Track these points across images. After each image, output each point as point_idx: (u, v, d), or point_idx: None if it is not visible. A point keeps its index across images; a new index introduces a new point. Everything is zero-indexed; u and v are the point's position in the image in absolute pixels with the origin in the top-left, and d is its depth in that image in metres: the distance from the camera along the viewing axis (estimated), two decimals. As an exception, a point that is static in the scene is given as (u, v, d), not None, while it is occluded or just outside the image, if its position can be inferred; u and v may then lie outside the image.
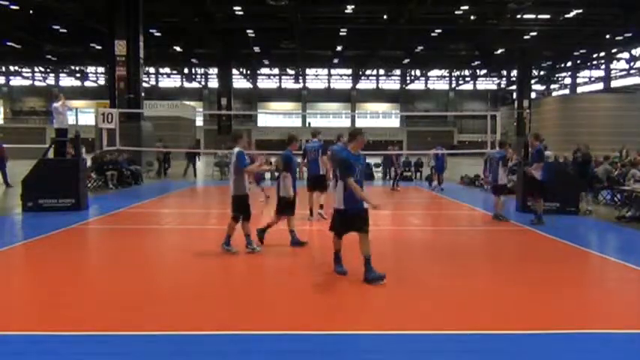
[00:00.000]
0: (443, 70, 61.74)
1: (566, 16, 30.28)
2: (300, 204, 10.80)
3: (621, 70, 47.36)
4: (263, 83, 62.97)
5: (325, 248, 8.23)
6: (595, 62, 49.03)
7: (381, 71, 62.16)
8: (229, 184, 7.37)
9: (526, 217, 10.47)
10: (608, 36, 37.10)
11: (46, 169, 11.60)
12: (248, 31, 35.92)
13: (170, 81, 62.06)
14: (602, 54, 45.16)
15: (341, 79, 63.46)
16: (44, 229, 9.02)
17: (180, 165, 23.71)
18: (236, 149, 7.16)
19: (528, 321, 4.68)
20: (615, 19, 31.03)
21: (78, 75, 58.16)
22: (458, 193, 16.36)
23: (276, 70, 61.60)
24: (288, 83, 63.19)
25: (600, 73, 50.77)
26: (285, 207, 7.79)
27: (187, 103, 47.41)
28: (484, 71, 58.14)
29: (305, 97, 62.06)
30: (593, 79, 52.62)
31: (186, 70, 57.56)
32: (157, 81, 61.22)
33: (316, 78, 63.33)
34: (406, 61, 50.68)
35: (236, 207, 7.22)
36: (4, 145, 17.71)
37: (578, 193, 11.75)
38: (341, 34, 36.57)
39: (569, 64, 50.34)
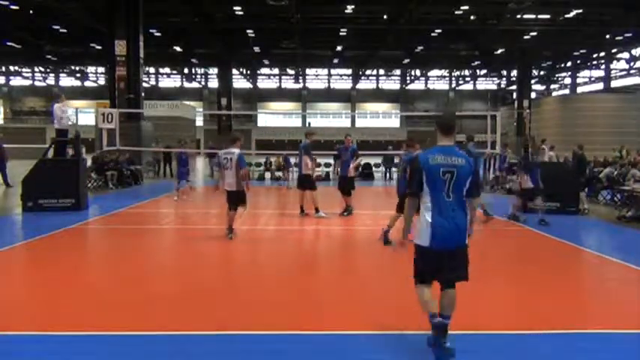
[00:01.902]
0: (443, 70, 61.65)
1: (566, 16, 30.23)
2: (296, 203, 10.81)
3: (621, 70, 47.29)
4: (263, 83, 62.91)
5: (325, 247, 8.23)
6: (595, 62, 48.96)
7: (381, 71, 62.07)
8: (225, 181, 8.23)
9: (525, 217, 10.47)
10: (608, 36, 37.03)
11: (46, 169, 11.60)
12: (248, 31, 35.88)
13: (170, 81, 62.00)
14: (602, 54, 45.10)
15: (341, 79, 63.40)
16: (44, 229, 9.02)
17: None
18: (237, 151, 8.16)
19: (528, 321, 4.68)
20: (615, 19, 31.00)
21: (78, 75, 58.09)
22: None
23: (276, 70, 61.53)
24: (288, 83, 63.13)
25: (600, 73, 50.70)
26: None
27: (187, 103, 47.36)
28: (484, 71, 58.08)
29: (305, 97, 62.02)
30: (593, 79, 52.55)
31: (186, 70, 57.50)
32: (157, 81, 61.16)
33: (316, 78, 63.26)
34: (406, 61, 50.61)
35: (241, 199, 8.28)
36: (5, 145, 17.71)
37: (577, 193, 11.77)
38: (341, 34, 36.54)
39: (569, 64, 50.28)
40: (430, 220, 3.76)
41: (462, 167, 3.80)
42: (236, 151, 8.17)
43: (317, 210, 10.59)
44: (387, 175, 22.12)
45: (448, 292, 3.93)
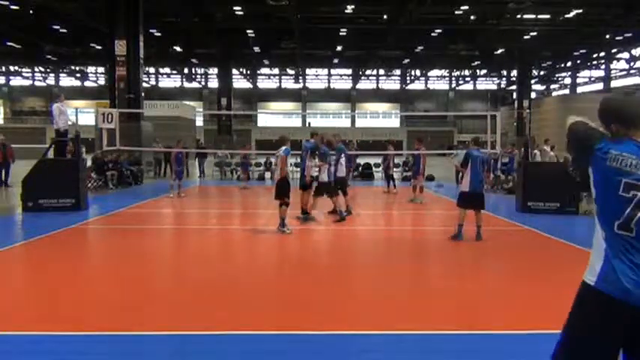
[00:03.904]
0: (443, 70, 61.64)
1: (566, 16, 30.22)
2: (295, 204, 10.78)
3: (621, 70, 47.33)
4: (263, 83, 62.90)
5: (324, 247, 8.21)
6: (595, 62, 48.99)
7: (381, 71, 62.01)
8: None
9: (526, 218, 10.46)
10: (608, 36, 37.06)
11: (46, 169, 11.60)
12: (248, 31, 35.89)
13: (170, 81, 61.97)
14: (602, 54, 45.13)
15: (341, 79, 63.39)
16: (44, 229, 9.01)
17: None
18: (283, 147, 8.90)
19: (528, 321, 4.68)
20: (615, 19, 30.99)
21: (78, 75, 58.08)
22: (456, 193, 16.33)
23: (276, 70, 61.51)
24: (288, 83, 63.11)
25: (600, 73, 50.72)
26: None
27: (187, 103, 47.38)
28: (484, 71, 58.09)
29: (305, 97, 62.01)
30: (593, 79, 52.57)
31: (186, 70, 57.46)
32: (157, 81, 61.13)
33: (316, 78, 63.25)
34: (406, 61, 50.62)
35: (278, 192, 8.73)
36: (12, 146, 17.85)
37: (577, 193, 11.72)
38: (341, 34, 36.53)
39: (569, 64, 50.29)
40: (603, 262, 2.29)
41: None
42: (283, 147, 8.91)
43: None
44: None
45: None
